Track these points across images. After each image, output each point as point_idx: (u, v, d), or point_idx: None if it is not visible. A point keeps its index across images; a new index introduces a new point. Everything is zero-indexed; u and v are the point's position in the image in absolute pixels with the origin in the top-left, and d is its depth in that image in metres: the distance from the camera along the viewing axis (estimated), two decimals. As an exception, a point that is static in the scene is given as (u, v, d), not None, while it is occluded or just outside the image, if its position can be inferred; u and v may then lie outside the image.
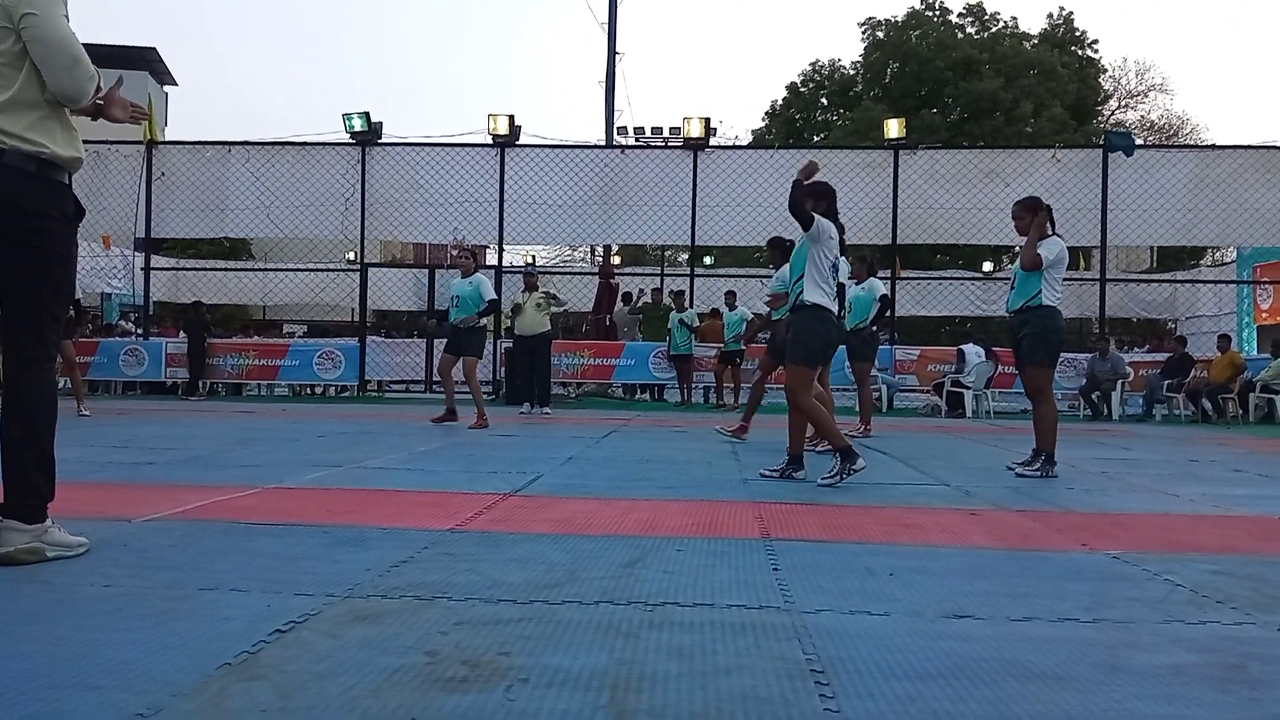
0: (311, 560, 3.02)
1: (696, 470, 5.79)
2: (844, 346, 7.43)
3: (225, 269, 21.57)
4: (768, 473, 5.42)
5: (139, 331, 16.73)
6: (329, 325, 23.54)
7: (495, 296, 9.46)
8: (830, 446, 5.32)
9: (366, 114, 15.38)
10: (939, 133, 29.67)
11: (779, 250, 7.69)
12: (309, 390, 16.38)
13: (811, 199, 5.28)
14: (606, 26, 20.98)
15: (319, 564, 2.97)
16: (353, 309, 19.06)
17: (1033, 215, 5.81)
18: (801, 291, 5.32)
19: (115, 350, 15.09)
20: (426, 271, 17.74)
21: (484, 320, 9.48)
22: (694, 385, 14.72)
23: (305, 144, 15.91)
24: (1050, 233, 5.84)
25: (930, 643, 2.26)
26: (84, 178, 15.57)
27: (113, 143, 16.11)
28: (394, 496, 4.57)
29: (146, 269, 16.32)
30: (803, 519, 4.07)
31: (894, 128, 15.46)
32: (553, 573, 2.91)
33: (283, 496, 4.45)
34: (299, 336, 20.33)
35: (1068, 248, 6.13)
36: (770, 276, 8.45)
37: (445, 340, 9.71)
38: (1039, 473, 5.65)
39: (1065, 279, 6.00)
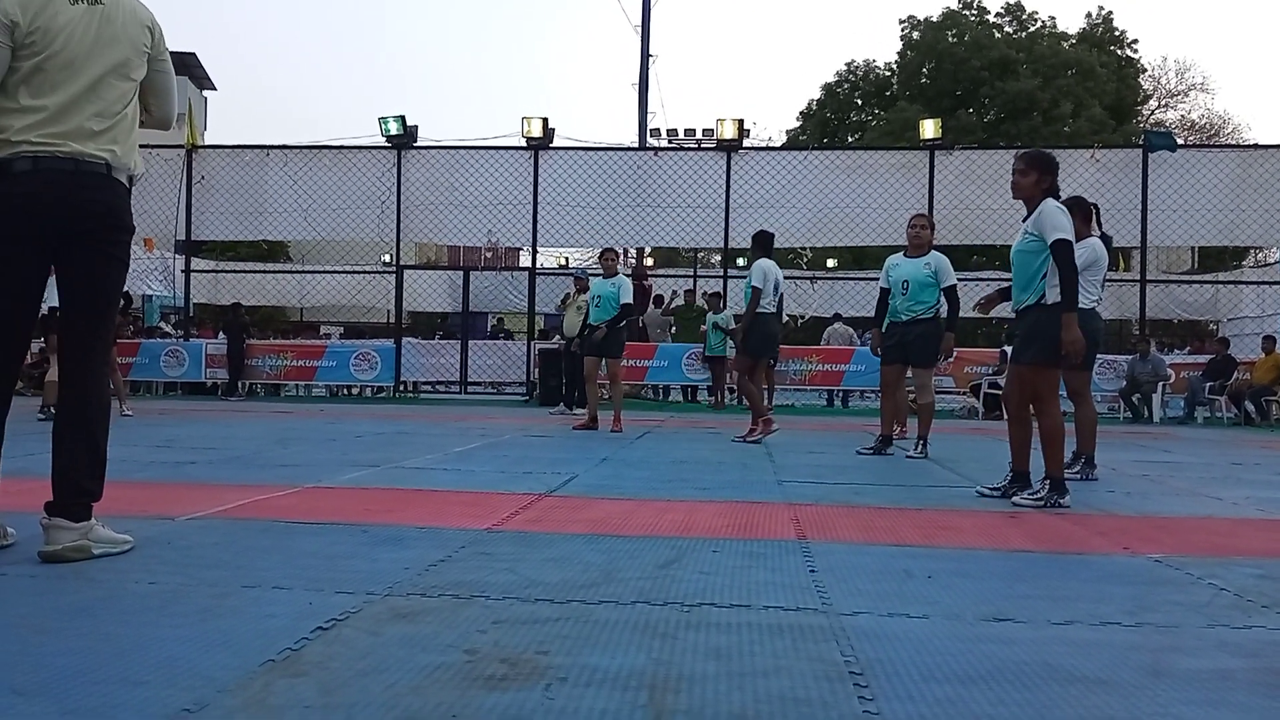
0: (351, 559, 3.06)
1: (731, 472, 5.78)
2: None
3: (263, 271, 21.81)
4: (988, 491, 4.91)
5: (179, 333, 16.99)
6: (365, 327, 23.75)
7: (630, 300, 9.05)
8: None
9: (402, 117, 15.51)
10: (975, 133, 29.45)
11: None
12: (345, 391, 16.54)
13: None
14: (640, 29, 21.00)
15: (359, 562, 3.01)
16: (388, 310, 19.23)
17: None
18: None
19: (156, 351, 15.33)
20: (461, 273, 17.85)
21: (624, 321, 8.99)
22: (728, 387, 14.70)
23: (342, 147, 16.07)
24: (1096, 233, 5.71)
25: (970, 646, 2.25)
26: (126, 182, 15.86)
27: (154, 147, 16.38)
28: (431, 496, 4.61)
29: (187, 271, 16.58)
30: (839, 521, 4.06)
31: (930, 128, 15.34)
32: (589, 573, 2.92)
33: (322, 496, 4.50)
34: (336, 338, 20.53)
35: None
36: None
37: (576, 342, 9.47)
38: (1079, 475, 5.57)
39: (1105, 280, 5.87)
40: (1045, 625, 2.46)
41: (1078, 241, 5.57)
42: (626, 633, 2.28)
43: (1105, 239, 5.86)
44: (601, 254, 9.77)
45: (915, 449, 6.90)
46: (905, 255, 7.18)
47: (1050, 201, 4.75)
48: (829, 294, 18.49)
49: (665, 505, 4.37)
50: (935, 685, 1.96)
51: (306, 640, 2.16)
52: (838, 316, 16.71)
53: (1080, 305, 5.36)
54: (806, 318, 18.87)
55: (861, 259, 24.00)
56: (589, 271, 12.53)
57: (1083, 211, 5.71)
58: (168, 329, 17.91)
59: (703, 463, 6.27)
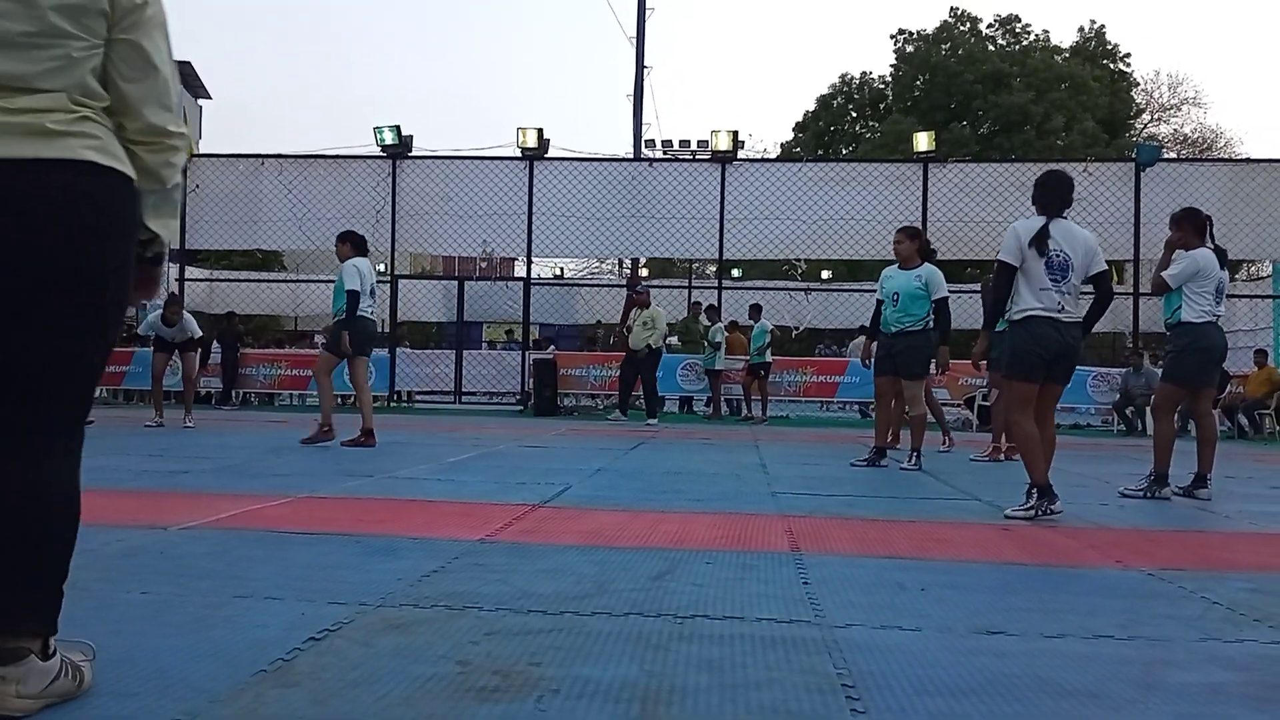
0: (344, 569, 3.05)
1: (725, 483, 5.78)
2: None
3: (258, 280, 21.81)
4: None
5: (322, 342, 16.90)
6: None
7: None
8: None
9: (397, 127, 15.54)
10: (969, 146, 29.58)
11: None
12: (340, 400, 16.46)
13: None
14: (635, 40, 21.09)
15: (352, 573, 3.00)
16: (383, 320, 19.23)
17: (1178, 230, 5.66)
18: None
19: (149, 360, 15.27)
20: (456, 283, 17.86)
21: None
22: (723, 399, 14.76)
23: (337, 157, 16.11)
24: (1209, 245, 5.62)
25: (962, 659, 2.25)
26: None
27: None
28: (425, 507, 4.60)
29: (181, 280, 16.55)
30: (832, 533, 4.06)
31: (923, 141, 15.42)
32: (582, 584, 2.92)
33: (315, 506, 4.49)
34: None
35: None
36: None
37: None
38: (1142, 494, 5.53)
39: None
40: (1037, 638, 2.46)
41: (1187, 252, 5.56)
42: (619, 644, 2.28)
43: (1219, 251, 5.72)
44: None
45: (908, 461, 6.91)
46: (899, 267, 7.19)
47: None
48: (822, 306, 18.57)
49: (659, 516, 4.37)
50: (927, 698, 1.96)
51: (299, 651, 2.15)
52: (863, 329, 16.71)
53: (1191, 319, 5.47)
54: (801, 329, 18.90)
55: (855, 271, 24.05)
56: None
57: (1195, 223, 5.68)
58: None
59: (697, 474, 6.27)
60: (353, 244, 8.03)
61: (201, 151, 17.08)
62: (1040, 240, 4.74)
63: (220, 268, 22.39)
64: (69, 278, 1.75)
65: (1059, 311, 4.75)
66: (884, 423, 7.55)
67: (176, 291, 16.14)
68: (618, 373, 14.99)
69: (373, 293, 7.96)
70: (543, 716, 1.79)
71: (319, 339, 16.10)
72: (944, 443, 8.62)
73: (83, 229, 1.75)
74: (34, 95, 1.73)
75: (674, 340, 15.79)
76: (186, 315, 10.60)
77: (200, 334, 10.75)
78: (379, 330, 8.91)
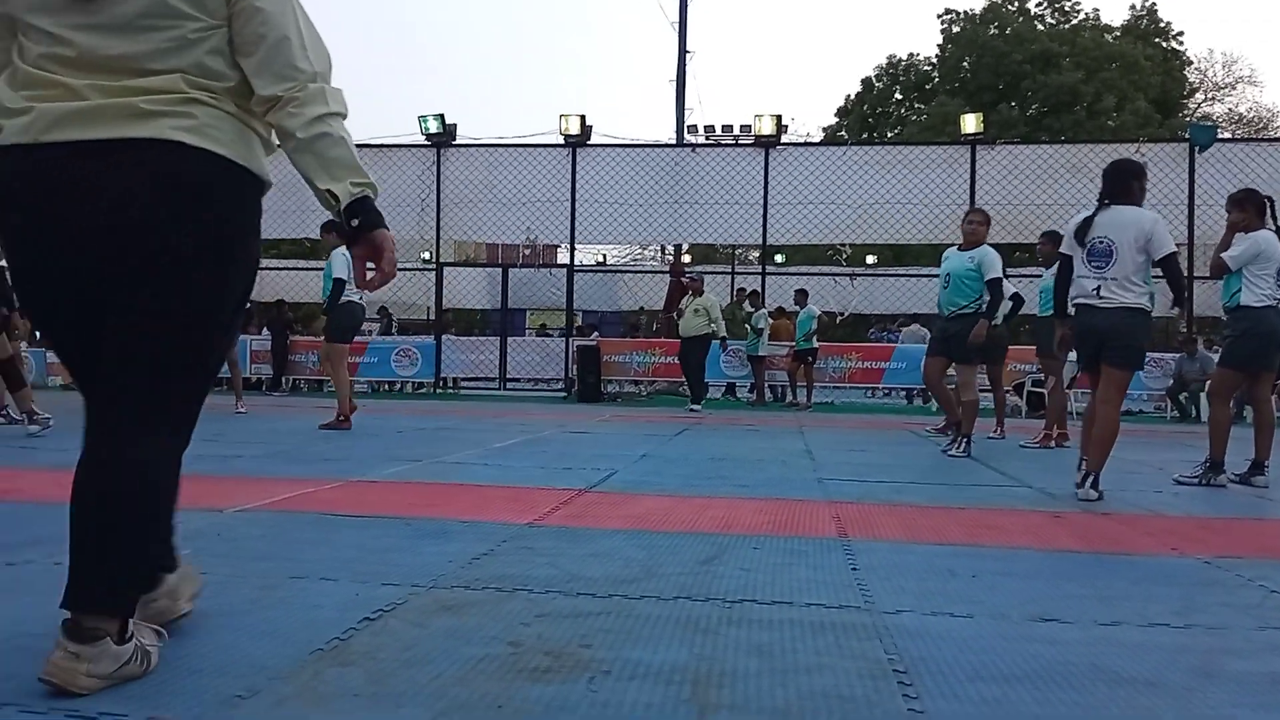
0: (395, 551, 3.10)
1: (771, 469, 5.77)
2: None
3: (306, 269, 22.10)
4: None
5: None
6: (405, 323, 23.95)
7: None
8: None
9: (441, 115, 15.62)
10: (1017, 127, 29.05)
11: None
12: (387, 386, 16.71)
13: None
14: (677, 25, 20.99)
15: (403, 555, 3.04)
16: (428, 307, 19.39)
17: (1240, 211, 5.55)
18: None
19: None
20: (500, 270, 17.94)
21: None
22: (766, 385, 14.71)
23: (382, 145, 16.21)
24: (1271, 226, 5.49)
25: (1015, 645, 2.23)
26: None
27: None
28: (472, 491, 4.65)
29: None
30: (880, 519, 4.03)
31: (971, 122, 15.17)
32: (630, 568, 2.94)
33: (366, 490, 4.56)
34: (375, 334, 20.73)
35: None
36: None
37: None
38: (1197, 480, 5.43)
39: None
40: (1092, 626, 2.43)
41: (1248, 234, 5.45)
42: (669, 628, 2.29)
43: None
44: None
45: (956, 447, 6.83)
46: (958, 249, 7.12)
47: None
48: (868, 291, 18.38)
49: (705, 502, 4.37)
50: (981, 684, 1.95)
51: (354, 630, 2.19)
52: (914, 317, 16.56)
53: (1250, 303, 5.39)
54: (846, 315, 18.74)
55: (901, 255, 23.80)
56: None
57: (1255, 204, 5.55)
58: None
59: (742, 460, 6.26)
60: (339, 232, 7.96)
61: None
62: (1079, 230, 4.94)
63: (269, 256, 22.72)
64: (156, 258, 1.74)
65: (1094, 297, 4.86)
66: (947, 398, 7.56)
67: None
68: (667, 360, 15.02)
69: None
70: (594, 697, 1.81)
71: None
72: (995, 429, 8.52)
73: (164, 210, 1.73)
74: (144, 77, 1.73)
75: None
76: None
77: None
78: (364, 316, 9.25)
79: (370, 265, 1.96)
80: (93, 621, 1.73)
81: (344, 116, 1.87)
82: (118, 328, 1.77)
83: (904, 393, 16.07)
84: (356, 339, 16.46)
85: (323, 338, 8.97)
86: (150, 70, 1.74)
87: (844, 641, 2.22)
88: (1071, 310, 5.08)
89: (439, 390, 15.72)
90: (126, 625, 1.78)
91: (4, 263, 7.14)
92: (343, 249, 7.89)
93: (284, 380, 15.48)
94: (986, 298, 6.87)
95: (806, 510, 4.19)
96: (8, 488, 4.32)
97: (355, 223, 1.88)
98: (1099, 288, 4.83)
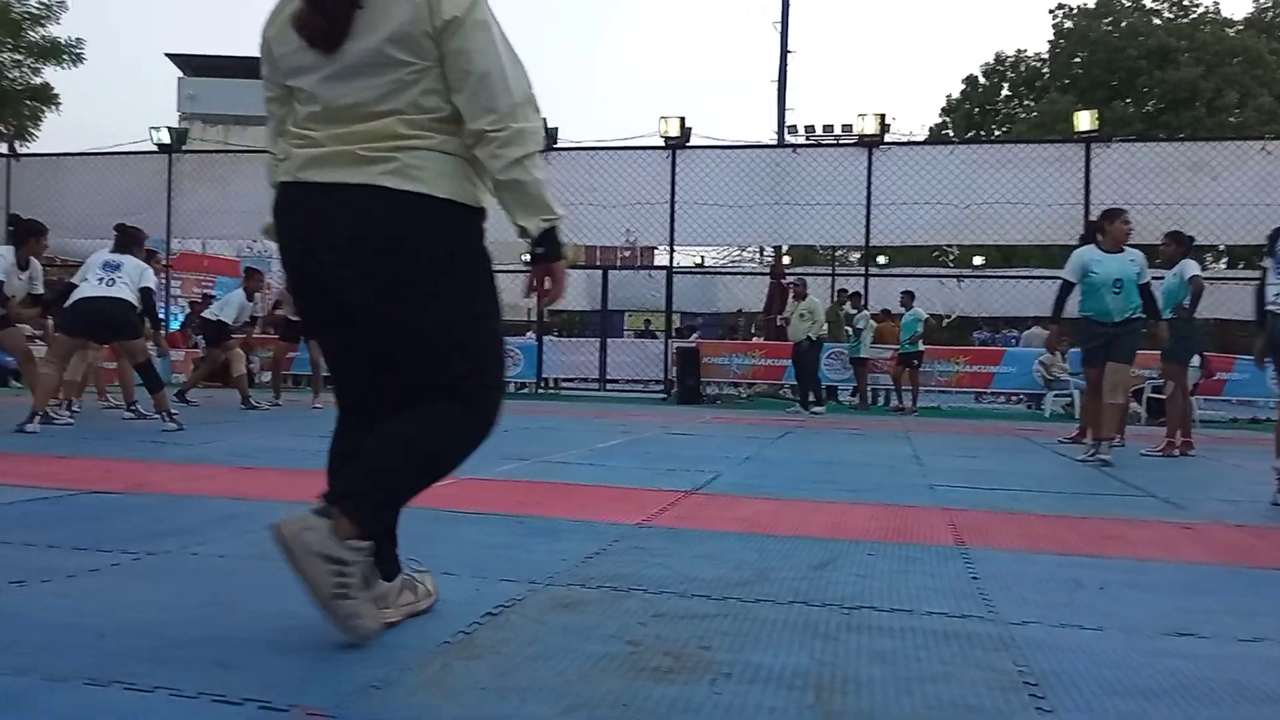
0: (511, 549, 3.15)
1: (879, 473, 5.67)
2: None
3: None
4: None
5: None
6: (507, 325, 24.34)
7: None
8: None
9: (543, 119, 15.81)
10: (1133, 125, 27.99)
11: None
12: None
13: None
14: (779, 25, 20.84)
15: (518, 552, 3.09)
16: (528, 309, 19.67)
17: None
18: None
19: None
20: (600, 272, 18.10)
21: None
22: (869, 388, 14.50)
23: (486, 149, 16.50)
24: None
25: (1151, 660, 2.14)
26: (263, 189, 16.77)
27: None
28: (580, 490, 4.70)
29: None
30: (999, 527, 3.92)
31: (1085, 119, 14.64)
32: (742, 571, 2.92)
33: (479, 488, 4.64)
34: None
35: None
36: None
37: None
38: None
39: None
40: (1231, 641, 2.32)
41: None
42: (787, 632, 2.27)
43: None
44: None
45: (1093, 452, 6.59)
46: (1103, 251, 6.75)
47: None
48: (975, 293, 17.91)
49: (814, 506, 4.33)
50: (1117, 699, 1.88)
51: (478, 625, 2.23)
52: (1036, 320, 16.10)
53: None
54: (953, 317, 18.31)
55: (1010, 256, 23.14)
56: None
57: None
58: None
59: (848, 464, 6.17)
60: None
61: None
62: (1272, 238, 5.02)
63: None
64: (380, 287, 2.00)
65: (1275, 304, 4.96)
66: (1093, 412, 7.25)
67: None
68: (767, 363, 14.95)
69: None
70: (718, 700, 1.80)
71: None
72: (1115, 438, 8.18)
73: (377, 244, 1.97)
74: (367, 122, 1.97)
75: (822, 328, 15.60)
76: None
77: None
78: None
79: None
80: (334, 507, 2.00)
81: (539, 152, 2.04)
82: (377, 344, 2.10)
83: (1022, 399, 15.55)
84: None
85: None
86: (374, 114, 1.96)
87: (969, 651, 2.17)
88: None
89: (540, 391, 15.93)
90: (357, 533, 1.99)
91: (152, 284, 7.72)
92: None
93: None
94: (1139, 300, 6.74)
95: (919, 516, 4.11)
96: (141, 481, 4.54)
97: (539, 251, 2.07)
98: None
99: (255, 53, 2.16)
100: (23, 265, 7.40)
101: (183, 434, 6.93)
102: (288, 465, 5.33)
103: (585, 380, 16.66)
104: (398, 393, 2.12)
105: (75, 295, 7.15)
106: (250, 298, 10.93)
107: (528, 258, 2.12)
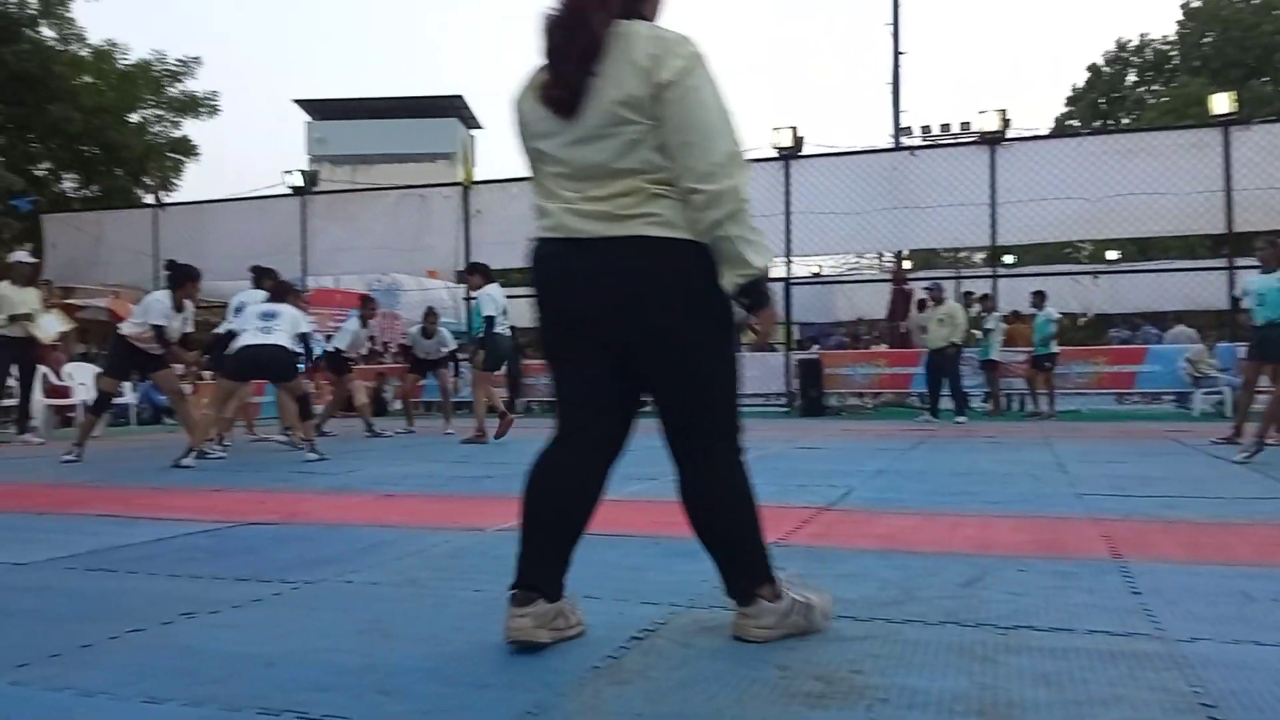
0: (650, 570, 3.16)
1: (1021, 484, 5.47)
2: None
3: (529, 296, 23.12)
4: None
5: (465, 356, 18.29)
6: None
7: None
8: None
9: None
10: (1273, 104, 26.38)
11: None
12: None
13: None
14: (890, 26, 20.48)
15: (657, 574, 3.10)
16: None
17: None
18: None
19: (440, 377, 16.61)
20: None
21: None
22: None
23: (601, 171, 16.72)
24: None
25: (1343, 681, 1.99)
26: (410, 219, 17.39)
27: (434, 186, 17.84)
28: (712, 510, 4.67)
29: (467, 299, 17.84)
30: (1156, 538, 3.73)
31: (1223, 102, 13.83)
32: (887, 590, 2.86)
33: (610, 508, 4.60)
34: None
35: None
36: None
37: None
38: None
39: None
40: None
41: None
42: (941, 654, 2.21)
43: None
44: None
45: (1247, 453, 6.28)
46: (1260, 273, 7.20)
47: None
48: (1111, 289, 17.14)
49: (955, 520, 4.20)
50: (1310, 724, 1.76)
51: (624, 649, 2.25)
52: (1179, 318, 15.39)
53: None
54: (1089, 316, 17.57)
55: (1147, 249, 22.07)
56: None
57: None
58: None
59: (987, 474, 5.97)
60: (482, 274, 9.71)
61: (477, 179, 18.23)
62: None
63: (500, 284, 23.95)
64: (645, 330, 2.20)
65: None
66: (1247, 407, 7.18)
67: (465, 310, 17.43)
68: (893, 371, 14.64)
69: (505, 313, 9.47)
70: (877, 725, 1.76)
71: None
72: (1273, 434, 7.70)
73: (639, 290, 2.18)
74: (612, 181, 2.16)
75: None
76: (442, 329, 11.62)
77: (454, 347, 11.82)
78: (513, 344, 11.15)
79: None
80: (750, 588, 2.30)
81: (743, 208, 2.17)
82: (654, 392, 2.32)
83: (1171, 398, 14.78)
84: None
85: (469, 364, 10.37)
86: (615, 172, 2.15)
87: (1138, 672, 2.06)
88: None
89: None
90: (776, 589, 2.30)
91: (308, 329, 8.58)
92: (490, 288, 9.42)
93: (516, 403, 16.20)
94: None
95: (1069, 528, 3.94)
96: (293, 511, 4.75)
97: (746, 303, 2.23)
98: None
99: (377, 94, 2.33)
100: (178, 308, 7.88)
101: (326, 464, 7.22)
102: (426, 491, 5.49)
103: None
104: (670, 432, 2.36)
105: (240, 343, 7.76)
106: (364, 324, 11.35)
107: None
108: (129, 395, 13.25)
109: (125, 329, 7.97)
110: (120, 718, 1.84)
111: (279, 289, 8.51)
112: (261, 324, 7.71)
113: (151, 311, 7.77)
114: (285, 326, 7.80)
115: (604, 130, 2.14)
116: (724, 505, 2.32)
